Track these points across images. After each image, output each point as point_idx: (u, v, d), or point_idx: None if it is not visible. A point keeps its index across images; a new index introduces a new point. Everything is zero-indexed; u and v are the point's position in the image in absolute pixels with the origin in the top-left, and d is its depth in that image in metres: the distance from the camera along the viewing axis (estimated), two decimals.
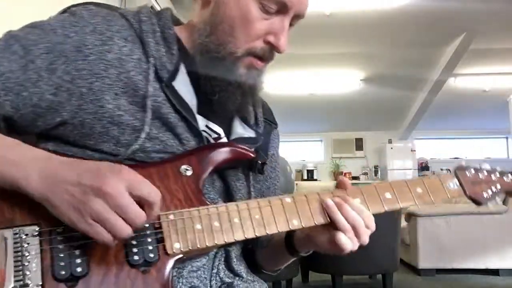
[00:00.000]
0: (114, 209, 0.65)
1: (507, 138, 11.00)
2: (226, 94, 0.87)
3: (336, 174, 10.22)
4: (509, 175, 0.96)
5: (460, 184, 0.92)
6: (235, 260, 0.91)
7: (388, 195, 0.86)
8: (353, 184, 0.87)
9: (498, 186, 0.94)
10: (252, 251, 1.00)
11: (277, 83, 7.86)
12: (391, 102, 8.66)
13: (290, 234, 0.93)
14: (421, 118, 9.17)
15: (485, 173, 0.95)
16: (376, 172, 10.32)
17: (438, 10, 5.30)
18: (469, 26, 5.81)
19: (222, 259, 0.89)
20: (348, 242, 0.81)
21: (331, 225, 0.81)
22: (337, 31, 5.91)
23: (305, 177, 10.04)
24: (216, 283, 0.86)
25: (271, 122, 1.05)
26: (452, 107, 9.01)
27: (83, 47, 0.78)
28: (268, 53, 0.87)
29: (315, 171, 10.13)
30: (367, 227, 0.82)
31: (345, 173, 10.15)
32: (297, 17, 0.89)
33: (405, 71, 7.17)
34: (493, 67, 7.44)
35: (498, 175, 0.95)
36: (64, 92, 0.77)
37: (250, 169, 0.92)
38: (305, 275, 4.23)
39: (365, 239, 0.82)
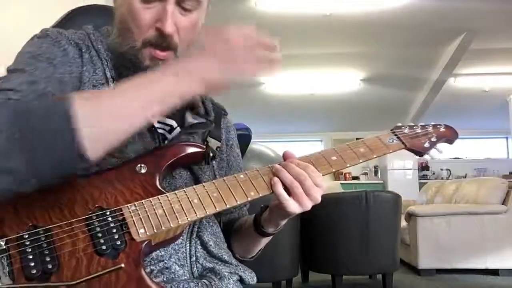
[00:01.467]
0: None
1: (507, 138, 11.00)
2: None
3: (336, 174, 10.22)
4: (441, 126, 1.06)
5: (398, 138, 1.00)
6: (211, 244, 0.93)
7: (333, 158, 0.93)
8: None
9: (435, 135, 1.04)
10: (227, 236, 1.03)
11: (277, 83, 7.86)
12: (391, 102, 8.66)
13: (257, 216, 0.98)
14: (421, 118, 9.16)
15: (420, 128, 1.04)
16: (376, 172, 10.32)
17: (438, 10, 5.30)
18: (469, 26, 5.81)
19: (199, 247, 0.92)
20: (288, 198, 0.85)
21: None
22: (337, 31, 5.91)
23: None
24: (197, 270, 0.89)
25: (219, 108, 1.09)
26: (452, 107, 9.01)
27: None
28: (160, 39, 0.89)
29: None
30: (315, 184, 0.86)
31: (345, 173, 10.15)
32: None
33: (405, 71, 7.18)
34: (493, 67, 7.45)
35: (431, 128, 1.05)
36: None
37: (205, 162, 0.94)
38: (305, 275, 4.23)
39: (316, 196, 0.86)
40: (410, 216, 4.78)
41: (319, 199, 0.86)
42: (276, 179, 0.86)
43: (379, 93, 8.21)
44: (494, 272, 4.58)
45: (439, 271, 4.64)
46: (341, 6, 5.23)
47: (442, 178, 9.89)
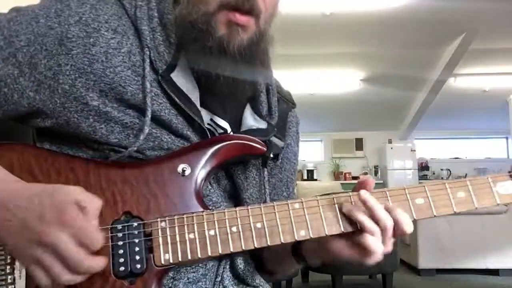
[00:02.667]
0: (55, 256, 0.62)
1: (507, 138, 10.99)
2: (215, 64, 0.76)
3: (336, 174, 10.22)
4: None
5: None
6: (241, 266, 0.83)
7: (419, 201, 0.72)
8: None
9: None
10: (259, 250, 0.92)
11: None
12: (391, 102, 8.65)
13: (298, 242, 0.80)
14: (421, 118, 9.16)
15: None
16: (376, 172, 10.31)
17: (438, 10, 5.30)
18: (469, 26, 5.81)
19: (227, 266, 0.82)
20: (378, 244, 0.69)
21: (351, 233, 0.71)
22: (337, 31, 5.91)
23: (305, 177, 10.03)
24: None
25: (288, 101, 0.94)
26: (452, 107, 9.00)
27: (66, 40, 0.73)
28: (242, 1, 0.74)
29: (315, 171, 10.12)
30: (403, 228, 0.69)
31: (345, 173, 10.14)
32: None
33: (405, 71, 7.17)
34: (493, 67, 7.44)
35: None
36: (46, 89, 0.73)
37: (261, 165, 0.83)
38: (305, 275, 4.23)
39: (390, 249, 0.71)
40: None
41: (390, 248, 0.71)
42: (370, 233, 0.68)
43: (379, 93, 8.20)
44: (494, 272, 4.58)
45: (439, 271, 4.64)
46: (341, 6, 5.23)
47: (442, 178, 9.88)
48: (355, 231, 0.70)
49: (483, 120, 10.09)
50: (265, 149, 0.77)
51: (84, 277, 0.63)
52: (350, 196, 0.72)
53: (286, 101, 0.94)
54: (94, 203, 0.65)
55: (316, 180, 10.02)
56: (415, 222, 0.73)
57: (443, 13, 5.39)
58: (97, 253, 0.64)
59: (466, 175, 9.87)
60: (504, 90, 8.17)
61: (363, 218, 0.69)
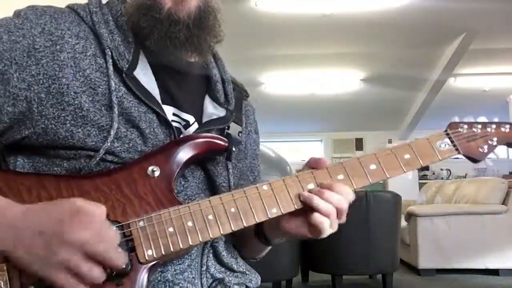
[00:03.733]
0: (80, 253, 0.63)
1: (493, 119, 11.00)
2: (164, 34, 0.80)
3: None
4: (507, 125, 0.90)
5: (452, 142, 0.85)
6: (224, 253, 0.88)
7: (372, 166, 0.81)
8: None
9: (495, 139, 0.88)
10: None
11: (277, 83, 7.86)
12: (391, 102, 8.66)
13: (258, 223, 0.87)
14: (421, 118, 9.17)
15: (480, 126, 0.88)
16: None
17: (438, 10, 5.30)
18: (469, 26, 5.81)
19: (211, 255, 0.86)
20: (327, 223, 0.77)
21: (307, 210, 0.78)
22: (337, 31, 5.91)
23: None
24: (207, 280, 0.84)
25: (241, 90, 1.00)
26: (452, 107, 9.00)
27: (34, 51, 0.75)
28: None
29: None
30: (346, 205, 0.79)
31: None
32: None
33: (405, 71, 7.17)
34: (493, 67, 7.44)
35: (494, 127, 0.89)
36: (22, 101, 0.74)
37: (225, 159, 0.87)
38: (305, 275, 4.23)
39: (343, 219, 0.80)
40: (410, 216, 4.78)
41: (344, 220, 0.80)
42: (316, 203, 0.77)
43: (379, 93, 8.21)
44: (494, 272, 4.58)
45: (439, 271, 4.64)
46: (341, 6, 5.23)
47: (442, 178, 9.88)
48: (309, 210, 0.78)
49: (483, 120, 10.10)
50: (226, 144, 0.82)
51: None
52: (311, 172, 0.81)
53: (240, 90, 0.99)
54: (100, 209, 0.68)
55: None
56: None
57: (443, 13, 5.40)
58: None
59: (466, 175, 9.87)
60: (504, 90, 8.17)
61: (319, 202, 0.77)
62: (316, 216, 0.77)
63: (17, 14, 0.79)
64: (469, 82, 7.99)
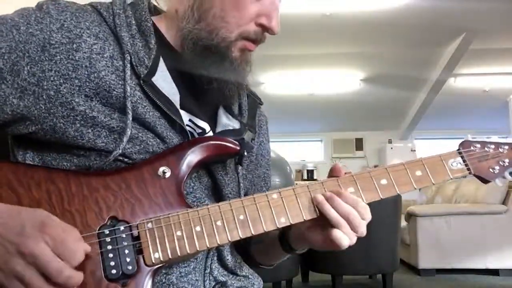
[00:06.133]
0: (34, 267, 0.61)
1: (507, 138, 11.00)
2: (224, 81, 0.84)
3: None
4: None
5: (464, 161, 0.85)
6: (229, 256, 0.87)
7: (383, 181, 0.81)
8: None
9: (507, 160, 0.87)
10: (246, 245, 0.97)
11: (277, 83, 7.86)
12: (391, 102, 8.66)
13: (284, 231, 0.89)
14: (421, 118, 9.16)
15: (493, 146, 0.87)
16: None
17: (438, 10, 5.30)
18: (469, 26, 5.81)
19: (215, 258, 0.86)
20: (344, 237, 0.77)
21: (325, 221, 0.78)
22: (337, 31, 5.91)
23: (305, 177, 10.03)
24: (209, 283, 0.83)
25: (256, 98, 1.00)
26: (452, 107, 9.01)
27: (49, 46, 0.73)
28: (261, 35, 0.83)
29: (315, 171, 10.13)
30: (362, 218, 0.78)
31: (345, 173, 10.13)
32: None
33: (405, 71, 7.17)
34: (493, 67, 7.44)
35: (507, 147, 0.88)
36: (30, 95, 0.73)
37: (237, 163, 0.87)
38: (305, 275, 4.23)
39: (363, 231, 0.78)
40: (410, 216, 4.78)
41: (364, 233, 0.79)
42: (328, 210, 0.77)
43: (379, 93, 8.20)
44: (494, 272, 4.58)
45: (439, 271, 4.65)
46: (341, 6, 5.22)
47: None
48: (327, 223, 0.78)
49: (483, 120, 10.10)
50: (238, 148, 0.81)
51: None
52: (322, 183, 0.81)
53: (254, 98, 0.99)
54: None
55: (316, 180, 10.01)
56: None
57: (443, 13, 5.39)
58: (86, 258, 0.66)
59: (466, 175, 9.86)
60: (504, 90, 8.16)
61: (329, 211, 0.77)
62: (333, 232, 0.77)
63: (40, 7, 0.77)
64: (469, 82, 7.99)
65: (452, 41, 6.36)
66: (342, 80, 7.85)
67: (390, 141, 10.00)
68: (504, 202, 4.69)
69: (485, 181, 0.87)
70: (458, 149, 0.86)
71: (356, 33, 6.00)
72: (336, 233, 0.77)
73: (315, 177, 10.08)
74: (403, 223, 4.68)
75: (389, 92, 8.06)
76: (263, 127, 1.01)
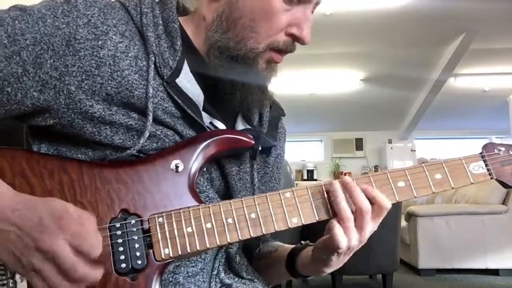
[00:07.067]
0: (52, 263, 0.61)
1: (507, 138, 11.00)
2: (248, 91, 0.83)
3: (336, 174, 10.22)
4: None
5: (486, 166, 0.82)
6: (237, 259, 0.87)
7: (401, 184, 0.78)
8: None
9: None
10: (251, 260, 0.96)
11: (277, 83, 7.86)
12: (391, 102, 8.66)
13: (293, 253, 0.88)
14: (421, 118, 9.16)
15: None
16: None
17: (438, 10, 5.30)
18: (469, 26, 5.81)
19: (223, 260, 0.85)
20: (343, 236, 0.73)
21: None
22: (337, 31, 5.91)
23: (305, 177, 10.04)
24: (215, 285, 0.83)
25: (279, 109, 0.99)
26: (452, 107, 9.01)
27: (74, 41, 0.72)
28: (291, 46, 0.81)
29: (315, 171, 10.13)
30: (373, 217, 0.75)
31: (345, 173, 10.14)
32: (317, 3, 0.82)
33: (405, 71, 7.17)
34: (493, 67, 7.44)
35: None
36: (51, 89, 0.72)
37: (251, 157, 0.85)
38: None
39: (366, 237, 0.76)
40: (410, 216, 4.78)
41: (365, 239, 0.76)
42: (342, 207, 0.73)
43: (379, 93, 8.21)
44: (494, 272, 4.59)
45: (439, 271, 4.65)
46: (342, 6, 5.23)
47: None
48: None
49: (483, 120, 10.10)
50: (253, 142, 0.81)
51: (82, 287, 0.63)
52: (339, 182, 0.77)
53: (277, 108, 0.98)
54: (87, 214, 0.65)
55: (316, 180, 10.02)
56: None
57: (443, 13, 5.39)
58: None
59: None
60: (504, 90, 8.17)
61: (340, 203, 0.73)
62: (330, 222, 0.75)
63: (68, 0, 0.76)
64: (469, 82, 7.99)
65: (452, 41, 6.36)
66: (342, 80, 7.85)
67: (390, 141, 10.00)
68: (504, 202, 4.69)
69: (507, 186, 0.83)
70: (481, 152, 0.83)
71: (356, 33, 6.00)
72: (336, 229, 0.74)
73: (315, 177, 10.08)
74: (403, 223, 4.68)
75: (389, 92, 8.07)
76: (282, 139, 0.99)
